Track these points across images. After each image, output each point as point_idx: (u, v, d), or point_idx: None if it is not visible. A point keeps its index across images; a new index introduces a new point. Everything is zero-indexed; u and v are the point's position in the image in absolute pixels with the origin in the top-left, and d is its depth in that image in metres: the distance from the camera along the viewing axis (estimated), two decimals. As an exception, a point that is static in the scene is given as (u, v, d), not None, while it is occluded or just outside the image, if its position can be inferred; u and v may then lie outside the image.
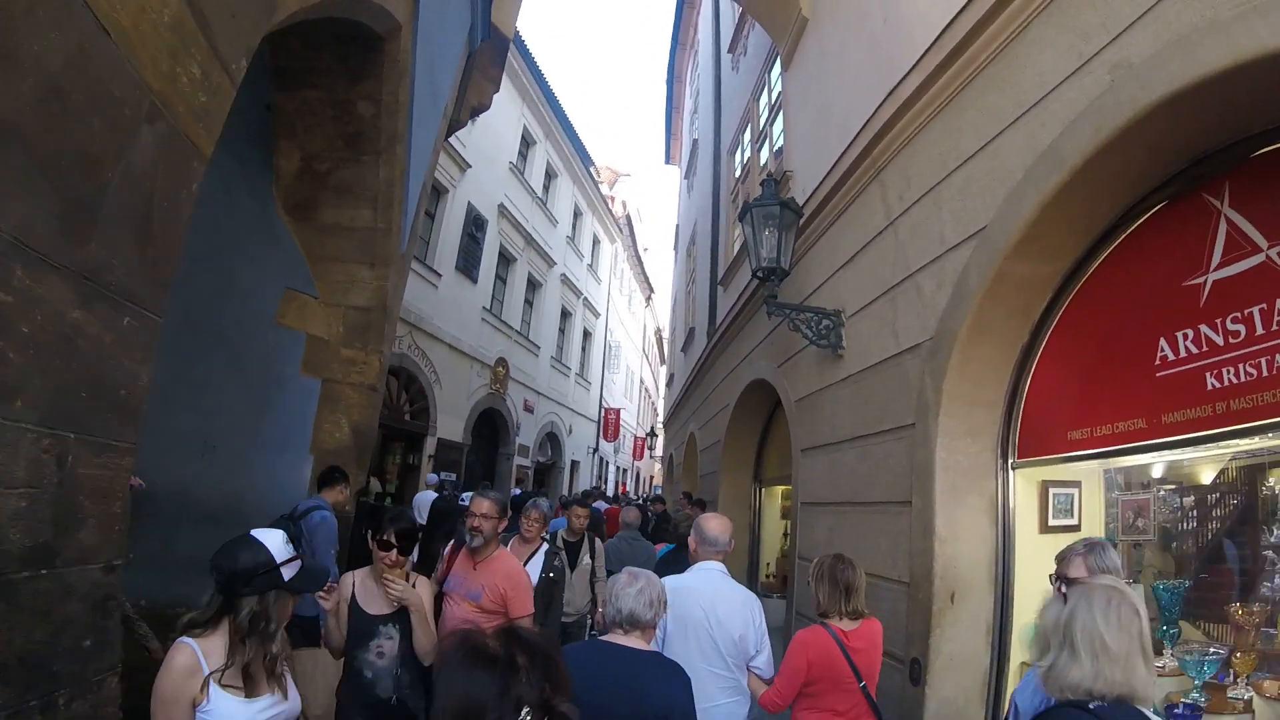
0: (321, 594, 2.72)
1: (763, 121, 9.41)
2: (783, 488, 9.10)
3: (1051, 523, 3.89)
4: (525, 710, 1.15)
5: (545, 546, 4.45)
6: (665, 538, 7.20)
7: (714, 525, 3.28)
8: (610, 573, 5.53)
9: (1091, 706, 1.43)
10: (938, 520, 3.74)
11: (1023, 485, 3.84)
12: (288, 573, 2.03)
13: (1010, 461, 3.88)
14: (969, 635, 3.82)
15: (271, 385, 5.27)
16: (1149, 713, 1.47)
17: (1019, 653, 3.76)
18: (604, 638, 2.34)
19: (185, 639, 1.88)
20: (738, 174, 10.80)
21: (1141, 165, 2.96)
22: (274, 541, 2.06)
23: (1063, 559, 2.45)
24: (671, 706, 2.13)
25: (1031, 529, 3.82)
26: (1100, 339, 3.36)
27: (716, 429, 9.90)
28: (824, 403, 5.48)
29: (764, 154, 9.40)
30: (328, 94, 4.84)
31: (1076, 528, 3.85)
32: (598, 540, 5.60)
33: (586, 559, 5.45)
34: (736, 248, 9.75)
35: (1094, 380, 3.36)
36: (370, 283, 5.42)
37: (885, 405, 4.46)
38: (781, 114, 8.17)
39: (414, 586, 2.86)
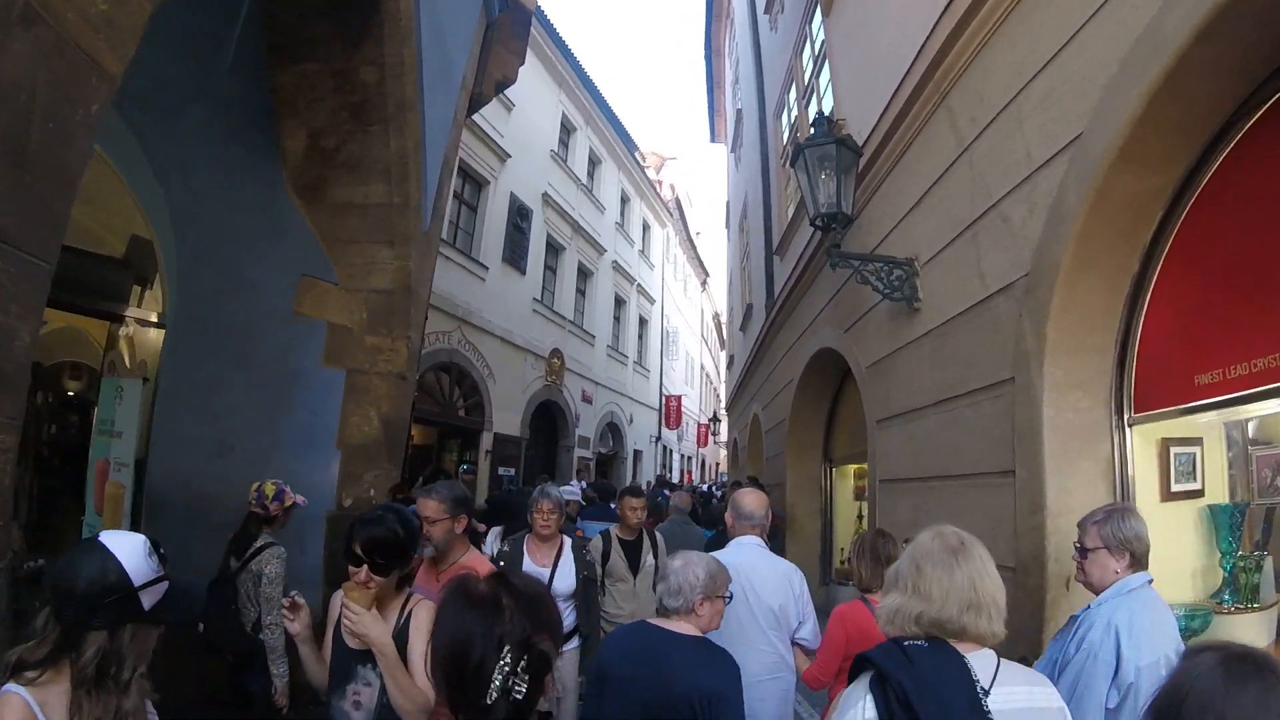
0: (285, 612, 2.21)
1: (807, 76, 8.79)
2: (855, 466, 8.43)
3: (1175, 488, 3.31)
4: (506, 648, 1.24)
5: (570, 541, 3.89)
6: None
7: (749, 500, 3.24)
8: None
9: (905, 645, 1.46)
10: (1048, 491, 3.14)
11: (1140, 445, 3.23)
12: (148, 598, 1.50)
13: (1126, 417, 3.26)
14: None
15: (291, 380, 4.95)
16: (977, 657, 1.46)
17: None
18: (652, 620, 2.29)
19: (12, 687, 1.37)
20: (785, 136, 10.25)
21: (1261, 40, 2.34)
22: (130, 552, 1.50)
23: (1081, 527, 2.37)
24: (708, 693, 2.02)
25: (1153, 497, 3.23)
26: (1227, 260, 2.77)
27: (781, 408, 9.28)
28: (900, 366, 4.85)
29: (811, 109, 8.74)
30: (327, 64, 4.48)
31: (1200, 493, 3.33)
32: (659, 535, 4.72)
33: (650, 560, 4.42)
34: (790, 213, 9.14)
35: (1225, 311, 2.76)
36: (391, 263, 5.04)
37: (974, 360, 3.85)
38: (827, 63, 7.54)
39: (407, 614, 2.18)
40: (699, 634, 2.21)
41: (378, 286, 5.05)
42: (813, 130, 4.69)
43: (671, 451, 27.46)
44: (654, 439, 23.96)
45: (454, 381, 12.25)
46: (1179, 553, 3.28)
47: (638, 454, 22.62)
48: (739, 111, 15.48)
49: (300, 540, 4.81)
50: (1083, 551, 2.34)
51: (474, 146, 12.86)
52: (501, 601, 1.29)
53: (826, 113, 6.61)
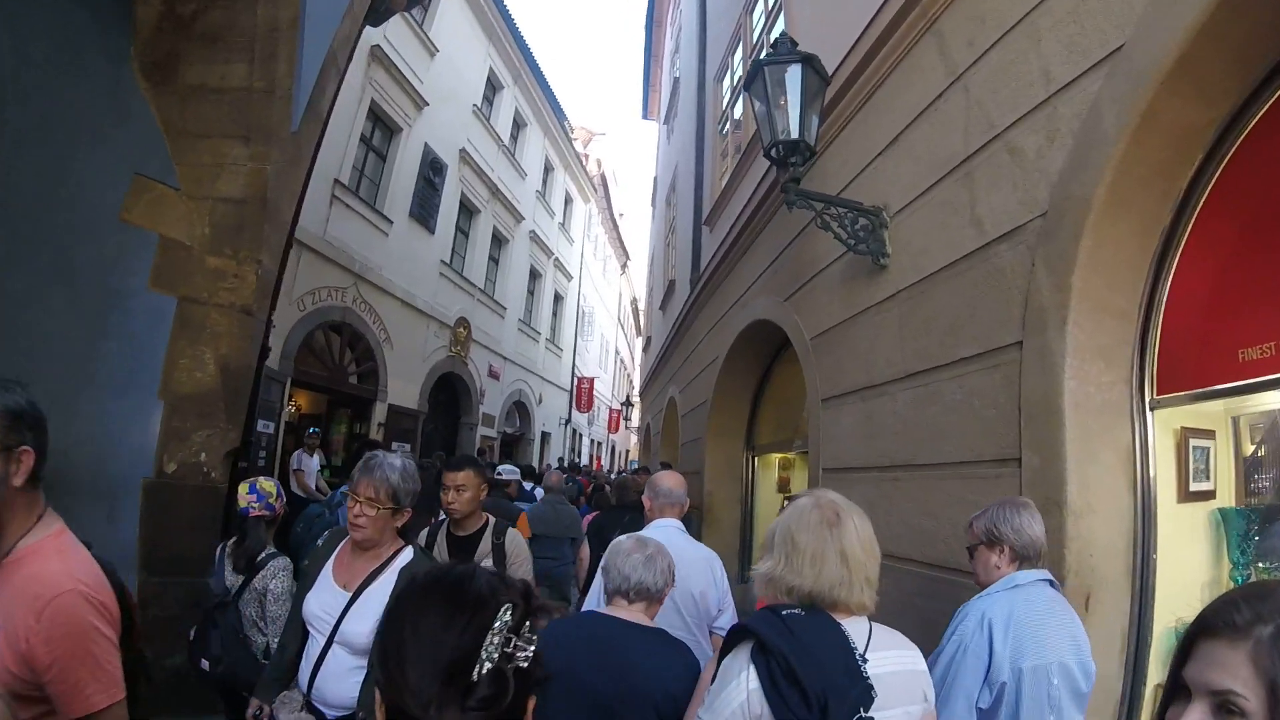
0: None
1: (757, 33, 8.12)
2: (780, 455, 7.87)
3: (1192, 487, 2.77)
4: (505, 606, 0.86)
5: (407, 555, 2.34)
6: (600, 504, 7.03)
7: (668, 480, 3.16)
8: (537, 537, 5.26)
9: (784, 614, 1.45)
10: (1070, 485, 2.53)
11: (1160, 433, 2.69)
12: None
13: (1148, 399, 2.69)
14: (1101, 653, 2.62)
15: (109, 303, 3.88)
16: (851, 622, 1.48)
17: (1156, 672, 2.63)
18: (602, 609, 2.10)
19: None
20: (725, 100, 9.61)
21: None
22: None
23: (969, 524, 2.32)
24: (674, 695, 1.88)
25: (1170, 496, 2.71)
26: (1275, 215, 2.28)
27: (702, 389, 8.61)
28: (856, 334, 4.20)
29: (758, 71, 8.08)
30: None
31: (1212, 494, 2.79)
32: (511, 531, 3.17)
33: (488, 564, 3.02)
34: (725, 181, 8.48)
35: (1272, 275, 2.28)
36: (244, 165, 4.00)
37: (963, 323, 3.22)
38: (782, 15, 6.86)
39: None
40: (654, 625, 2.06)
41: (226, 193, 4.01)
42: (774, 49, 3.95)
43: (581, 436, 26.60)
44: (564, 421, 23.05)
45: (345, 344, 11.01)
46: (1193, 562, 2.75)
47: (545, 436, 21.66)
48: (676, 81, 14.75)
49: (109, 509, 3.76)
50: (970, 551, 2.29)
51: (389, 88, 11.62)
52: (488, 585, 0.91)
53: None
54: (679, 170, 12.98)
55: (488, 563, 2.93)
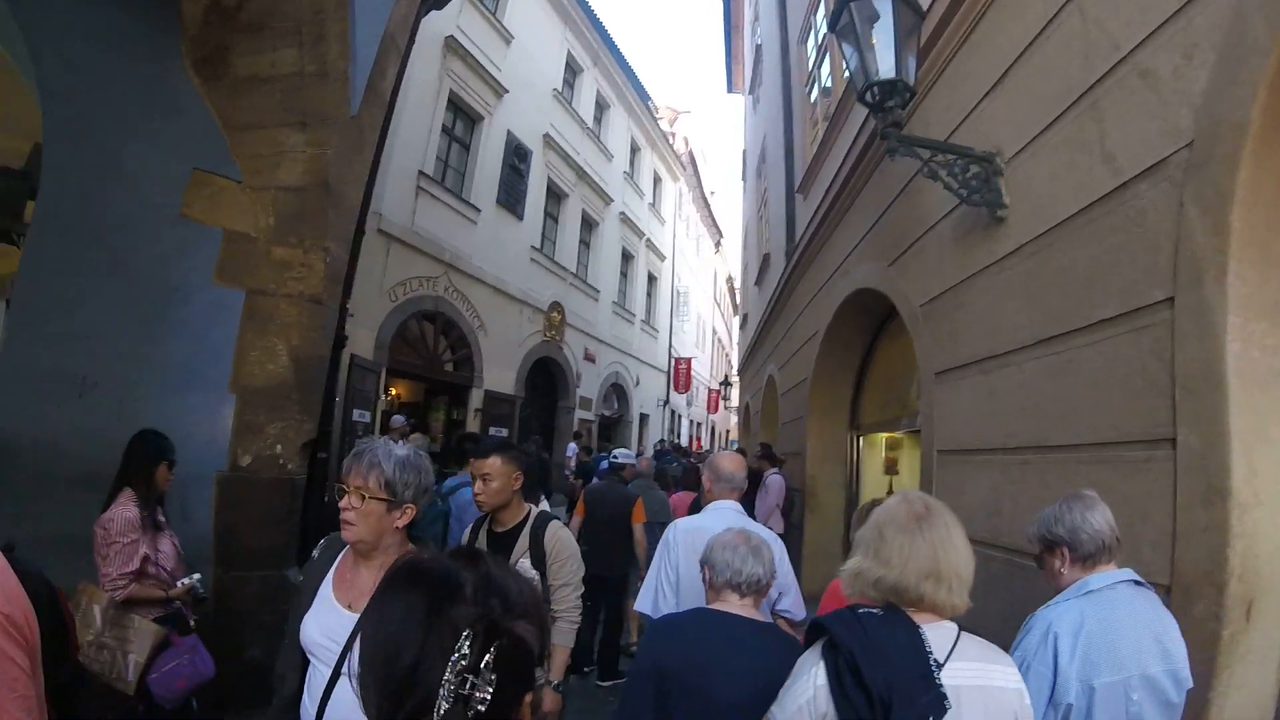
0: None
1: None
2: (887, 435, 7.28)
3: None
4: (465, 633, 0.80)
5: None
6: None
7: (727, 463, 3.07)
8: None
9: (860, 611, 1.42)
10: (1235, 471, 2.03)
11: None
12: None
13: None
14: (1256, 673, 2.17)
15: (173, 300, 3.86)
16: (934, 628, 1.40)
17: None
18: (715, 606, 2.01)
19: None
20: (811, 61, 9.01)
21: None
22: None
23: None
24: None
25: None
26: None
27: (801, 366, 8.09)
28: (974, 298, 3.67)
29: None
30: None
31: None
32: (555, 526, 2.74)
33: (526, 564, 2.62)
34: (816, 145, 7.90)
35: None
36: (303, 151, 3.87)
37: (1100, 277, 2.71)
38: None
39: None
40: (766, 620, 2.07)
41: (286, 182, 3.88)
42: (863, -18, 3.44)
43: (680, 417, 26.35)
44: (661, 403, 22.85)
45: (439, 332, 11.13)
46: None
47: (644, 418, 21.52)
48: (758, 48, 14.08)
49: (181, 505, 3.74)
50: (1037, 561, 2.11)
51: (466, 78, 11.60)
52: (458, 577, 0.86)
53: None
54: (768, 140, 12.37)
55: (525, 562, 2.60)
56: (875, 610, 1.42)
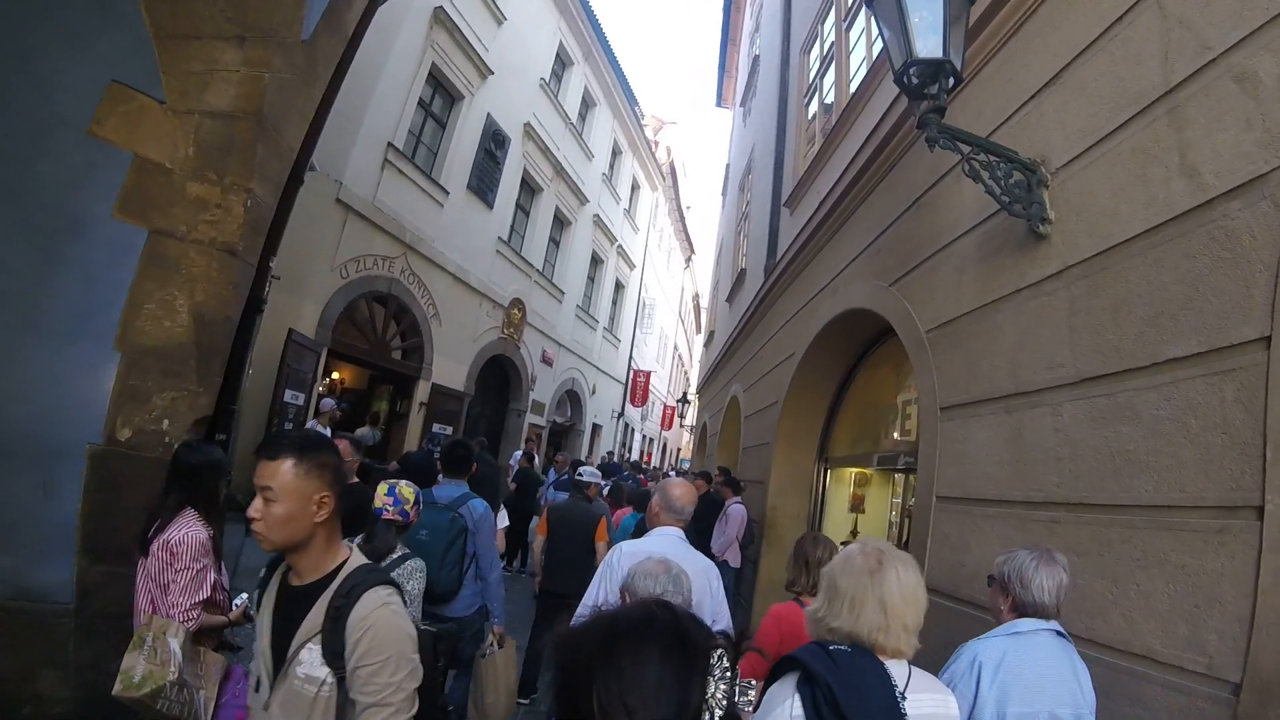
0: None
1: (854, -5, 7.14)
2: (856, 470, 6.84)
3: None
4: (717, 652, 0.93)
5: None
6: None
7: (678, 491, 3.11)
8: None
9: (830, 648, 1.52)
10: None
11: None
12: None
13: None
14: None
15: (65, 231, 3.16)
16: (893, 664, 1.52)
17: None
18: None
19: None
20: (813, 72, 8.63)
21: None
22: None
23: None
24: None
25: None
26: None
27: (772, 389, 7.62)
28: (998, 325, 3.21)
29: (855, 32, 7.10)
30: None
31: None
32: (376, 600, 1.60)
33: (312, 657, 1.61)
34: (811, 156, 7.50)
35: None
36: (237, 70, 3.23)
37: (1175, 310, 2.29)
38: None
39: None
40: None
41: (214, 106, 3.24)
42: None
43: (634, 430, 25.79)
44: (616, 414, 22.26)
45: (390, 317, 10.41)
46: None
47: (596, 428, 20.90)
48: (755, 59, 13.75)
49: (44, 479, 3.06)
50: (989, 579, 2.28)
51: (451, 53, 10.99)
52: (678, 617, 0.96)
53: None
54: (756, 152, 12.00)
55: (311, 653, 1.58)
56: (844, 647, 1.53)
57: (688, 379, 37.58)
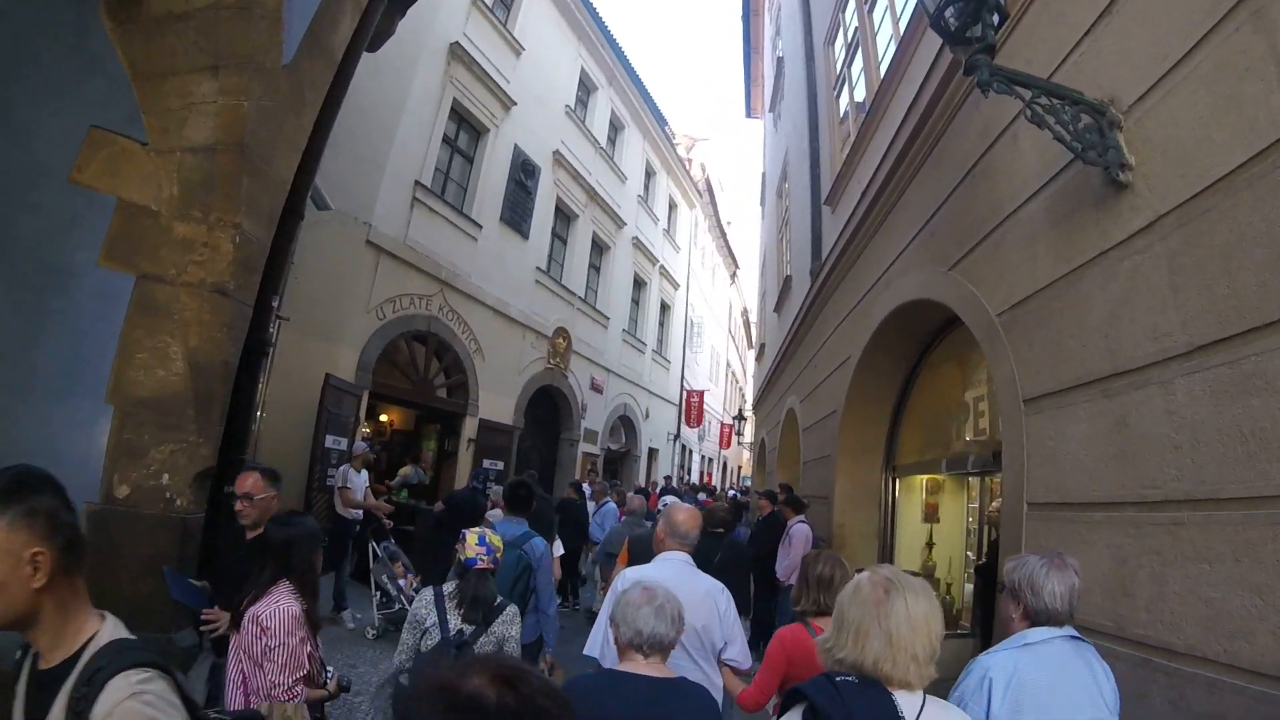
0: None
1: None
2: (927, 477, 6.29)
3: None
4: None
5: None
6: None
7: (683, 517, 3.01)
8: (609, 555, 5.17)
9: (838, 680, 1.49)
10: None
11: None
12: None
13: None
14: None
15: (50, 284, 2.98)
16: (904, 695, 1.47)
17: None
18: (621, 666, 2.02)
19: None
20: (840, 62, 8.30)
21: None
22: None
23: None
24: None
25: None
26: None
27: (829, 398, 7.14)
28: (1084, 296, 2.77)
29: (879, 12, 6.74)
30: None
31: None
32: (126, 687, 1.25)
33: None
34: (846, 152, 7.09)
35: None
36: (214, 101, 3.02)
37: None
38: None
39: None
40: (674, 675, 2.03)
41: (194, 140, 3.04)
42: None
43: (691, 452, 25.29)
44: (672, 437, 21.82)
45: (431, 355, 10.26)
46: None
47: (653, 452, 20.49)
48: (779, 60, 13.41)
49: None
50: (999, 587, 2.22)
51: (471, 87, 10.94)
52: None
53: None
54: (790, 155, 11.59)
55: None
56: (851, 678, 1.50)
57: (742, 395, 36.94)
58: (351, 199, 8.70)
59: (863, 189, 5.93)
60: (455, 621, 2.76)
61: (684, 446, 23.53)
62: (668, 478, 18.51)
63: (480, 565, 2.87)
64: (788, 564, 5.97)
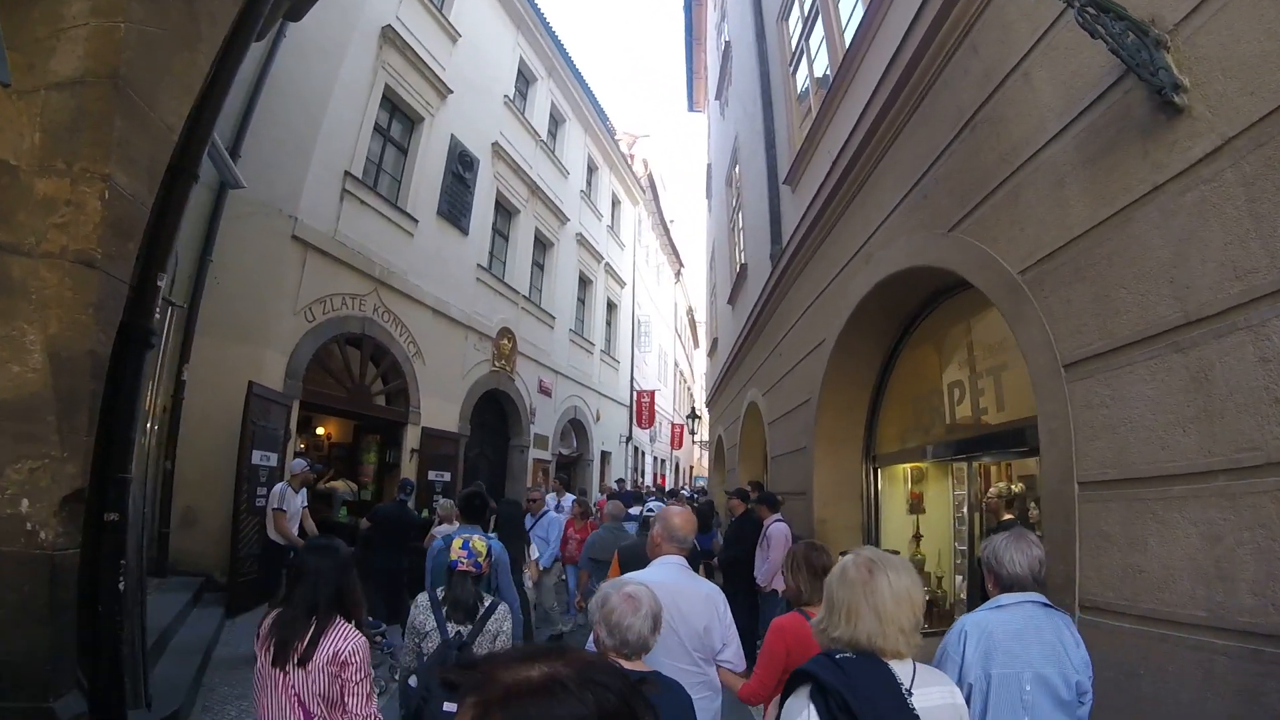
0: None
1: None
2: (908, 466, 5.96)
3: None
4: None
5: None
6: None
7: (679, 520, 3.00)
8: (593, 560, 5.51)
9: (837, 657, 1.60)
10: None
11: None
12: None
13: None
14: None
15: None
16: (898, 664, 1.60)
17: None
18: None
19: None
20: (794, 39, 8.00)
21: None
22: None
23: None
24: None
25: None
26: None
27: (801, 386, 6.74)
28: (1135, 239, 2.40)
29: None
30: None
31: None
32: None
33: None
34: (807, 129, 6.74)
35: None
36: (85, 23, 2.40)
37: None
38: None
39: None
40: (650, 669, 2.07)
41: (60, 74, 2.41)
42: None
43: (644, 454, 24.81)
44: (624, 439, 21.30)
45: (367, 359, 9.51)
46: None
47: (605, 455, 19.92)
48: (726, 45, 13.08)
49: None
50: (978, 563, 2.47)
51: (405, 74, 10.27)
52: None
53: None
54: (741, 139, 11.25)
55: None
56: (849, 654, 1.61)
57: (691, 395, 36.67)
58: (275, 190, 7.94)
59: (831, 161, 5.55)
60: (450, 625, 2.92)
61: (636, 448, 23.04)
62: (620, 481, 17.98)
63: (461, 567, 3.01)
64: (768, 568, 5.49)
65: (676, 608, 2.72)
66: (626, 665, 1.95)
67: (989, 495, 5.13)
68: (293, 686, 2.20)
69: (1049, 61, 2.91)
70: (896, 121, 4.51)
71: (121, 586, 2.45)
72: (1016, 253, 3.06)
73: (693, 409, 25.63)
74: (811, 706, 1.52)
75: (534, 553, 6.01)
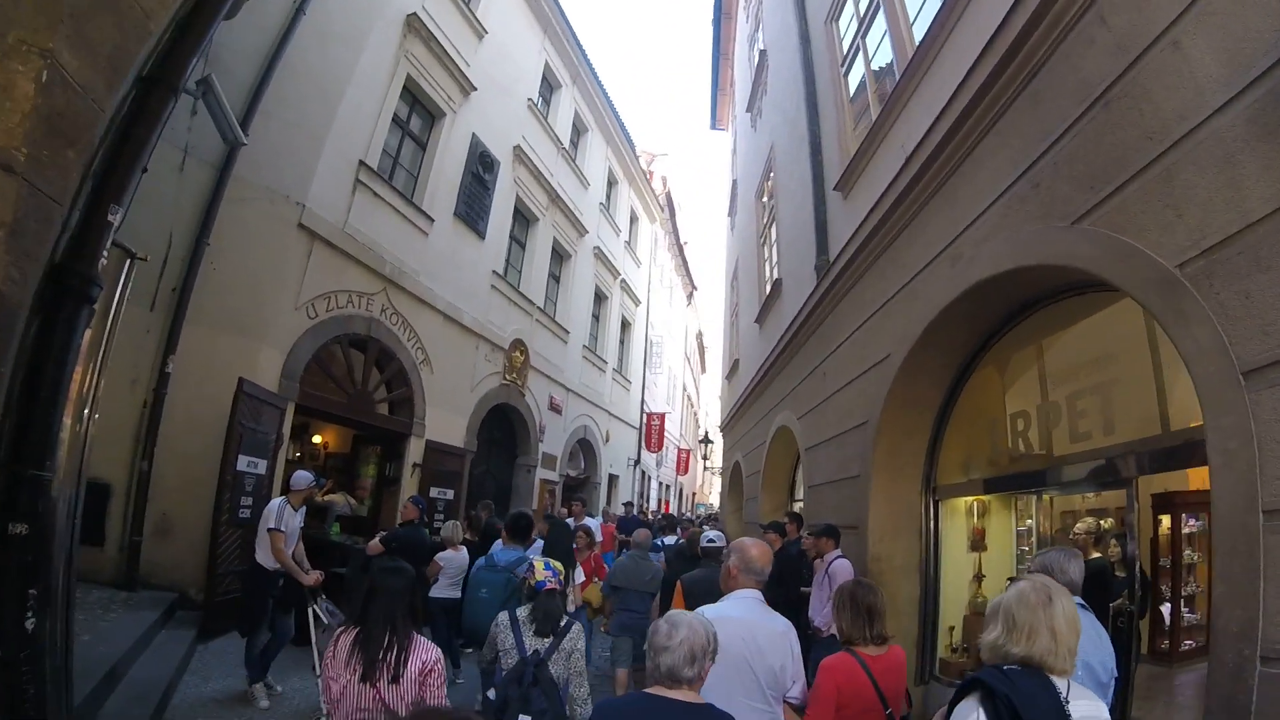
0: None
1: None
2: (973, 499, 5.26)
3: None
4: None
5: None
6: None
7: (756, 552, 2.98)
8: (615, 588, 5.80)
9: (1005, 669, 1.74)
10: None
11: None
12: None
13: None
14: None
15: None
16: (1057, 679, 1.73)
17: None
18: (650, 690, 2.10)
19: None
20: (846, 42, 7.48)
21: None
22: None
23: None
24: None
25: None
26: None
27: (858, 406, 6.03)
28: None
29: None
30: None
31: None
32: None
33: None
34: (870, 122, 6.15)
35: None
36: None
37: None
38: None
39: None
40: (703, 701, 2.07)
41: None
42: None
43: (650, 478, 24.02)
44: (632, 462, 20.54)
45: (371, 363, 8.85)
46: None
47: (613, 479, 19.15)
48: (761, 56, 12.57)
49: None
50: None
51: (429, 65, 9.77)
52: None
53: None
54: (777, 148, 10.67)
55: None
56: (1015, 667, 1.75)
57: (697, 421, 35.89)
58: (282, 175, 7.36)
59: (904, 158, 4.93)
60: (529, 642, 3.13)
61: (643, 472, 22.27)
62: (628, 504, 17.20)
63: (549, 586, 3.29)
64: (829, 611, 4.76)
65: (755, 644, 2.70)
66: (675, 695, 2.00)
67: (1076, 531, 4.53)
68: (382, 698, 2.44)
69: (1205, 28, 2.35)
70: (996, 106, 3.90)
71: (30, 625, 1.78)
72: (1173, 243, 2.44)
73: (705, 434, 24.87)
74: (981, 710, 1.67)
75: (580, 575, 5.94)
